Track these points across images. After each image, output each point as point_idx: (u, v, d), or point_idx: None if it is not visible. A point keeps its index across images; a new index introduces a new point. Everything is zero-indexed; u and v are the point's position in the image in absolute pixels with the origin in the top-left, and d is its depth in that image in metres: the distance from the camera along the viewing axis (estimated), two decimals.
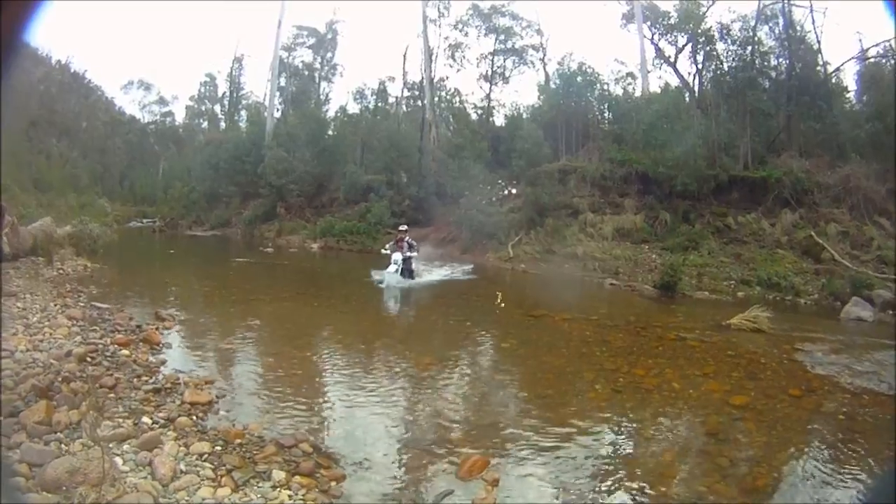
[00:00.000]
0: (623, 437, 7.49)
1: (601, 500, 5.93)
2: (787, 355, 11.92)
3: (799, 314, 17.73)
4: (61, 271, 17.50)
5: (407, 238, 20.22)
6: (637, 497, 6.03)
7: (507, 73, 42.79)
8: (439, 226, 30.44)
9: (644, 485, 6.25)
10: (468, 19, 42.18)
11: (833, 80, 30.31)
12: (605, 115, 35.49)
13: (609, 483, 6.25)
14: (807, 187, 25.06)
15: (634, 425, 7.83)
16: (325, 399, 8.42)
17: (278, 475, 5.91)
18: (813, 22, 30.04)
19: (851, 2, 28.96)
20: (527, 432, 7.31)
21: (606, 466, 6.57)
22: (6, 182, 23.93)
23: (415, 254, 20.29)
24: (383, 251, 20.70)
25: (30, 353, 8.64)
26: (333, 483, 5.98)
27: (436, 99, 41.22)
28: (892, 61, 28.97)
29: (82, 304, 13.15)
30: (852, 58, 30.40)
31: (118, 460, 5.75)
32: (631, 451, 7.08)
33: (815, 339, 13.28)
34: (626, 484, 6.25)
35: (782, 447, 7.26)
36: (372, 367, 10.09)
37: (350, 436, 7.04)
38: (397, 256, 19.63)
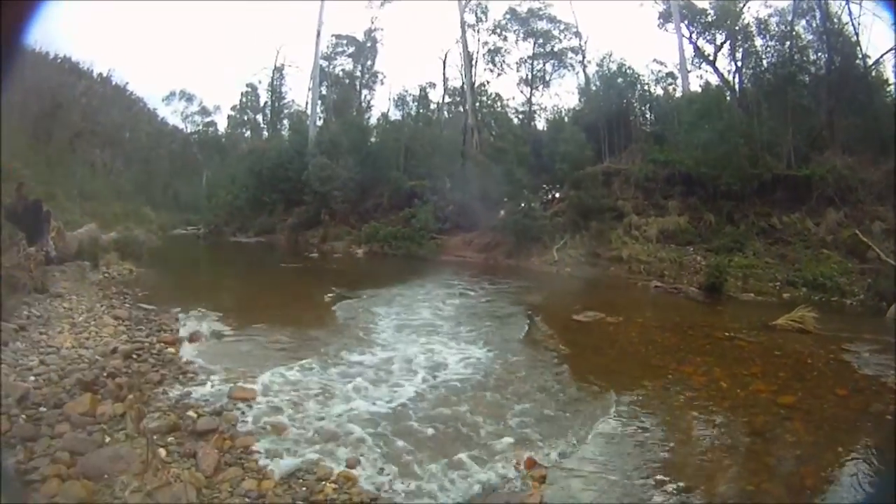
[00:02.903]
0: (671, 434, 7.53)
1: (649, 500, 5.89)
2: (834, 355, 11.92)
3: (845, 315, 17.55)
4: (107, 275, 17.95)
5: None
6: (685, 496, 6.07)
7: (547, 77, 42.73)
8: (483, 230, 30.45)
9: (692, 484, 6.33)
10: (506, 24, 42.26)
11: (873, 73, 29.62)
12: (647, 115, 35.45)
13: (656, 481, 6.30)
14: (851, 185, 24.63)
15: (682, 423, 7.81)
16: (365, 391, 8.48)
17: (323, 469, 5.98)
18: (850, 14, 29.39)
19: None
20: (574, 427, 7.35)
21: (653, 464, 6.68)
22: (52, 191, 24.45)
23: None
24: None
25: (75, 350, 8.94)
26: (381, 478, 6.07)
27: (477, 104, 41.20)
28: None
29: (128, 305, 13.49)
30: (891, 49, 29.59)
31: (161, 451, 5.91)
32: (678, 448, 7.14)
33: (861, 340, 13.18)
34: (674, 483, 6.33)
35: (829, 447, 7.29)
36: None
37: (395, 429, 7.09)
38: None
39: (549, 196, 31.28)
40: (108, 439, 6.10)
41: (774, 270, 22.20)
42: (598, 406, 8.37)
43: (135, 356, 9.10)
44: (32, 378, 7.61)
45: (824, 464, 6.78)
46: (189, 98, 56.90)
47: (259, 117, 58.09)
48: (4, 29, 2.02)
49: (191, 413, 7.08)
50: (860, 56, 29.21)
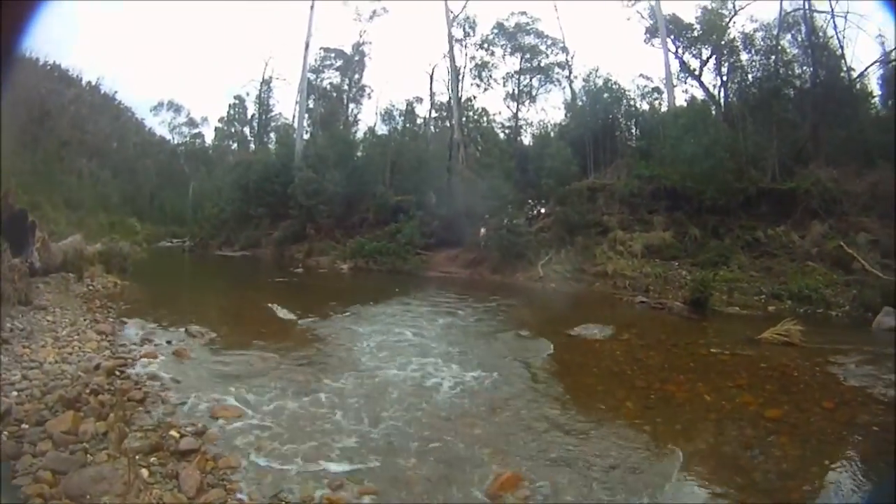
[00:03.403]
0: (653, 452, 7.38)
1: None
2: (820, 368, 11.90)
3: (831, 327, 17.56)
4: (91, 287, 17.85)
5: None
6: None
7: (533, 92, 42.90)
8: (469, 246, 30.39)
9: (677, 501, 6.19)
10: (493, 38, 42.42)
11: (857, 86, 30.11)
12: (633, 130, 35.64)
13: (643, 501, 6.18)
14: (835, 197, 24.77)
15: (666, 441, 7.73)
16: (350, 409, 8.38)
17: (306, 491, 5.93)
18: (835, 27, 29.95)
19: (872, 2, 28.72)
20: (556, 450, 7.32)
21: (637, 484, 6.52)
22: (37, 200, 24.30)
23: None
24: None
25: (58, 365, 8.84)
26: (365, 498, 6.00)
27: (463, 119, 41.26)
28: None
29: (112, 320, 13.40)
30: (875, 62, 30.04)
31: (144, 472, 5.87)
32: (661, 467, 6.97)
33: (847, 351, 13.16)
34: (659, 500, 6.18)
35: (816, 460, 7.23)
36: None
37: (385, 452, 7.03)
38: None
39: (535, 211, 31.28)
40: (90, 458, 6.03)
41: (760, 284, 22.24)
42: (582, 429, 8.29)
43: (117, 372, 9.00)
44: (15, 393, 7.51)
45: (811, 478, 6.76)
46: (177, 109, 57.18)
47: (246, 129, 58.24)
48: (4, 29, 2.01)
49: (173, 433, 6.97)
50: (845, 69, 29.67)
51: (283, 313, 16.23)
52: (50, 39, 41.08)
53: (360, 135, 47.39)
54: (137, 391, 8.31)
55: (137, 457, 6.10)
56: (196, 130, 59.07)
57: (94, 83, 56.25)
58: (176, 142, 58.66)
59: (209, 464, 6.30)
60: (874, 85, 30.85)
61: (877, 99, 30.92)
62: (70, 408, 7.06)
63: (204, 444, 6.77)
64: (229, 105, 57.97)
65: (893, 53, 28.64)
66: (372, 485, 6.34)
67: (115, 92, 58.39)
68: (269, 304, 17.28)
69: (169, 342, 11.61)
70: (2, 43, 2.03)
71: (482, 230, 29.78)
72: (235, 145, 58.91)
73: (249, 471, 6.34)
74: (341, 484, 6.21)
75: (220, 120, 59.01)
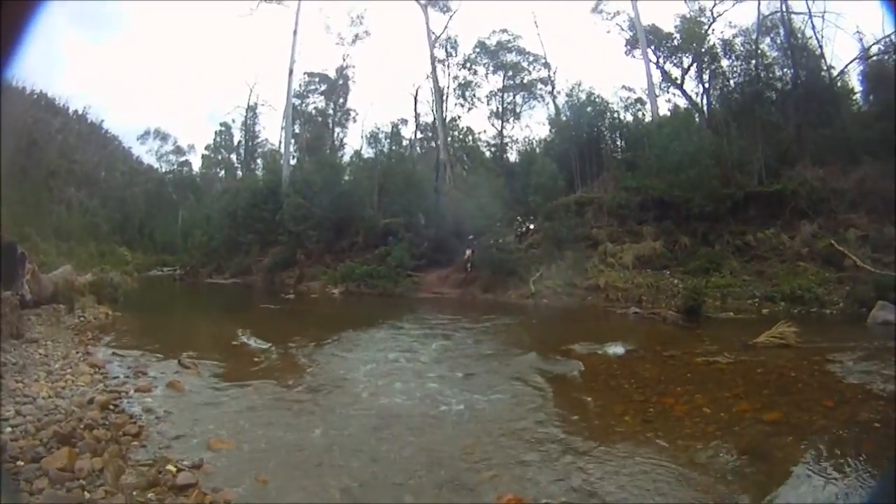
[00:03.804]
0: (655, 467, 7.27)
1: None
2: (817, 367, 11.84)
3: (826, 325, 17.57)
4: (82, 318, 17.69)
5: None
6: None
7: (517, 109, 43.18)
8: (459, 266, 30.30)
9: None
10: (476, 57, 42.72)
11: (839, 84, 30.53)
12: (618, 142, 35.77)
13: None
14: (823, 196, 25.01)
15: (667, 454, 7.63)
16: (349, 440, 8.28)
17: None
18: (813, 28, 30.50)
19: (848, 3, 29.14)
20: (555, 470, 7.20)
21: (641, 499, 6.42)
22: (27, 231, 24.22)
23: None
24: None
25: (52, 400, 8.70)
26: None
27: (449, 139, 41.40)
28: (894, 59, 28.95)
29: (104, 352, 13.21)
30: (855, 59, 30.46)
31: None
32: (665, 480, 6.88)
33: (843, 349, 13.15)
34: None
35: (819, 460, 7.09)
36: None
37: (378, 478, 6.93)
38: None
39: (524, 228, 31.32)
40: (87, 496, 5.90)
41: (752, 287, 22.33)
42: (580, 447, 8.20)
43: (112, 406, 8.86)
44: (9, 429, 7.37)
45: (815, 480, 6.72)
46: (164, 137, 57.73)
47: (233, 156, 58.67)
48: (4, 29, 1.99)
49: (170, 467, 6.80)
50: (825, 68, 30.03)
51: (272, 341, 16.01)
52: (36, 67, 41.14)
53: (346, 158, 47.62)
54: (132, 425, 8.17)
55: (135, 492, 5.99)
56: (183, 158, 59.65)
57: (80, 112, 56.80)
58: (164, 170, 59.17)
59: (207, 498, 6.19)
60: (855, 82, 31.23)
61: (858, 95, 31.27)
62: (65, 443, 6.94)
63: (201, 478, 6.66)
64: (215, 132, 58.55)
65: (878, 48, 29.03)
66: None
67: (102, 121, 58.98)
68: (262, 332, 17.10)
69: (162, 374, 11.45)
70: (2, 43, 2.02)
71: (467, 252, 29.71)
72: (223, 172, 59.27)
73: (249, 502, 6.25)
74: None
75: (207, 147, 59.60)
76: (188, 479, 6.53)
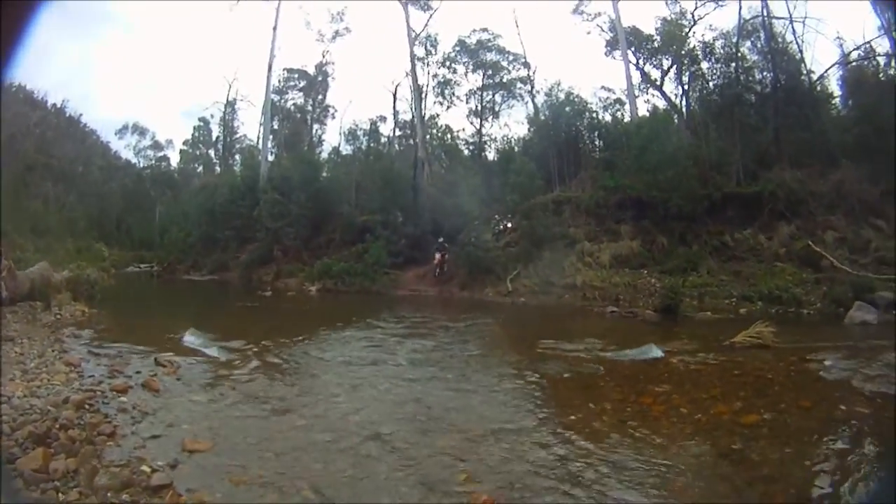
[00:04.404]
0: (631, 468, 7.24)
1: None
2: (794, 367, 11.88)
3: (803, 325, 17.73)
4: (59, 316, 17.45)
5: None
6: None
7: (496, 108, 43.16)
8: (429, 269, 30.28)
9: None
10: (455, 56, 42.68)
11: (818, 88, 30.81)
12: (596, 142, 35.84)
13: None
14: (801, 198, 25.21)
15: (643, 455, 7.61)
16: (324, 441, 8.21)
17: None
18: (794, 32, 30.68)
19: (829, 8, 29.61)
20: (528, 468, 7.15)
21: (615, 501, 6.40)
22: (3, 226, 23.91)
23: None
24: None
25: (27, 399, 8.55)
26: None
27: (427, 136, 41.35)
28: (874, 63, 29.37)
29: (80, 350, 13.05)
30: (835, 63, 30.93)
31: None
32: (641, 481, 6.86)
33: (821, 348, 13.20)
34: None
35: (797, 461, 7.13)
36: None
37: (352, 480, 6.89)
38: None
39: (502, 226, 31.35)
40: (62, 497, 5.83)
41: (729, 287, 22.42)
42: (555, 446, 8.17)
43: (87, 406, 8.70)
44: None
45: (793, 480, 6.69)
46: (142, 132, 57.43)
47: (211, 152, 58.47)
48: (5, 29, 1.96)
49: (144, 467, 6.68)
50: (805, 73, 30.26)
51: (247, 340, 15.82)
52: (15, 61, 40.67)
53: (324, 155, 47.54)
54: (107, 425, 8.04)
55: (109, 493, 5.90)
56: (161, 153, 59.27)
57: (59, 105, 56.00)
58: (141, 165, 58.63)
59: (181, 499, 6.11)
60: (834, 86, 31.59)
61: (837, 100, 31.65)
62: (40, 444, 6.81)
63: (176, 479, 6.58)
64: (194, 127, 58.37)
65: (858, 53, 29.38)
66: None
67: (81, 115, 58.14)
68: (240, 330, 16.92)
69: (138, 373, 11.28)
70: (2, 43, 1.98)
71: (436, 256, 29.71)
72: (201, 168, 59.04)
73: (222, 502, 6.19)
74: None
75: (185, 143, 59.35)
76: (163, 480, 6.43)
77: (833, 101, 31.66)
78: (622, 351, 14.03)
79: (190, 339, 15.27)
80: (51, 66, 66.40)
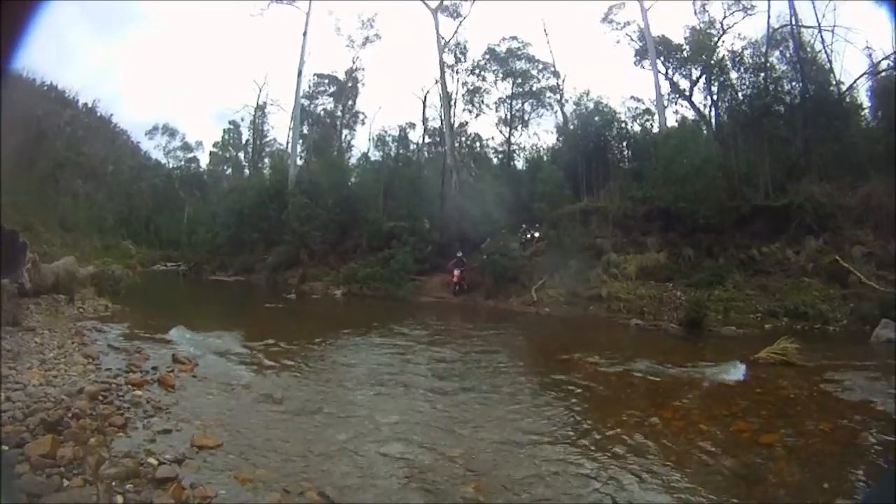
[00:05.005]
0: (647, 485, 7.12)
1: None
2: (818, 387, 11.70)
3: (828, 342, 17.44)
4: (82, 310, 17.75)
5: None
6: None
7: (525, 117, 42.95)
8: (463, 271, 30.16)
9: None
10: (485, 64, 42.48)
11: (847, 99, 30.30)
12: (625, 152, 35.56)
13: None
14: (829, 211, 24.83)
15: (659, 472, 7.50)
16: (334, 443, 8.17)
17: None
18: (822, 42, 30.38)
19: (859, 16, 29.09)
20: (545, 483, 7.08)
21: None
22: (30, 221, 24.28)
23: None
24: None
25: (42, 388, 8.68)
26: None
27: (456, 144, 41.29)
28: None
29: (100, 343, 13.17)
30: (864, 74, 30.28)
31: (119, 499, 5.68)
32: (655, 499, 6.75)
33: (845, 367, 13.04)
34: None
35: (816, 484, 7.04)
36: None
37: (359, 483, 6.87)
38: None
39: (529, 235, 31.22)
40: (66, 483, 5.87)
41: (755, 302, 22.13)
42: (570, 460, 8.05)
43: (101, 397, 8.80)
44: None
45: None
46: (172, 133, 57.47)
47: (241, 155, 58.70)
48: (5, 29, 1.95)
49: (151, 460, 6.76)
50: (834, 83, 29.90)
51: (276, 339, 15.85)
52: (46, 59, 41.36)
53: (353, 160, 47.74)
54: (119, 417, 8.13)
55: (113, 483, 5.95)
56: (191, 155, 59.42)
57: (90, 105, 56.81)
58: (171, 166, 58.97)
59: (185, 493, 6.12)
60: (864, 97, 31.09)
61: (867, 111, 31.13)
62: (51, 431, 6.90)
63: (181, 473, 6.58)
64: (224, 130, 58.68)
65: (893, 58, 28.84)
66: None
67: (111, 115, 58.89)
68: (263, 331, 16.92)
69: (154, 368, 11.41)
70: (2, 43, 1.97)
71: (455, 272, 29.57)
72: (230, 170, 59.40)
73: (226, 500, 6.14)
74: None
75: (215, 145, 59.69)
76: (168, 473, 6.48)
77: (862, 113, 31.10)
78: (698, 366, 13.69)
79: (175, 335, 15.46)
80: (82, 66, 67.61)
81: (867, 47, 29.69)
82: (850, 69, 31.36)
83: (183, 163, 59.12)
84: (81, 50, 69.31)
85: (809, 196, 25.27)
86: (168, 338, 15.06)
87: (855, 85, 30.40)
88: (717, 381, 12.36)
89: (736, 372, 12.84)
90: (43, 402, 7.99)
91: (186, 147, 58.75)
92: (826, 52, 30.22)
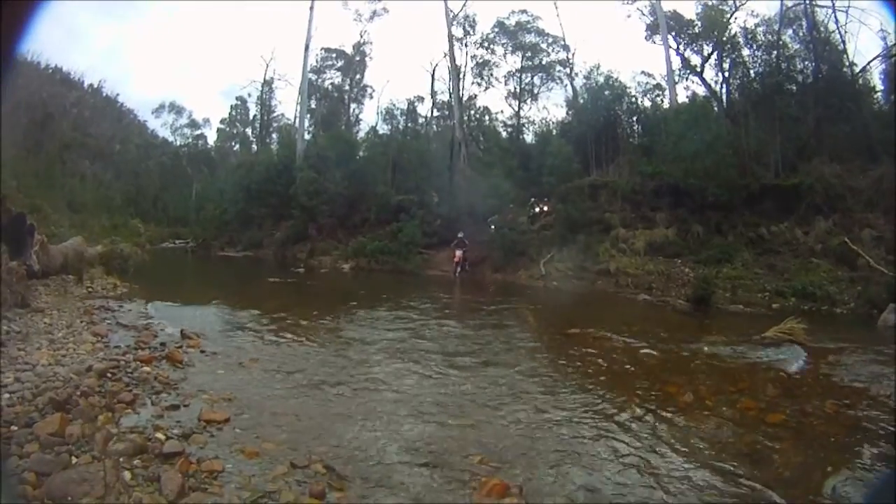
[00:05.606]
0: (652, 460, 7.15)
1: None
2: (824, 369, 11.63)
3: (835, 324, 17.35)
4: (90, 290, 17.77)
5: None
6: None
7: (535, 90, 42.69)
8: (471, 245, 30.16)
9: None
10: (494, 37, 42.25)
11: (860, 81, 30.01)
12: (635, 127, 35.42)
13: None
14: (839, 193, 24.65)
15: (665, 448, 7.52)
16: (342, 417, 8.21)
17: (286, 497, 5.80)
18: (836, 22, 29.86)
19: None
20: (548, 456, 7.11)
21: (633, 495, 6.32)
22: (38, 203, 24.30)
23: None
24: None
25: (51, 368, 8.77)
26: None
27: (465, 118, 41.13)
28: None
29: (109, 322, 13.24)
30: (877, 56, 29.78)
31: (126, 474, 5.76)
32: (661, 474, 6.77)
33: (851, 350, 12.99)
34: None
35: (819, 467, 7.02)
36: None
37: (367, 457, 6.87)
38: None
39: (537, 209, 31.17)
40: (74, 460, 5.93)
41: (763, 281, 22.16)
42: (576, 433, 8.07)
43: (109, 374, 8.87)
44: (7, 395, 7.42)
45: (813, 486, 6.58)
46: (178, 110, 57.45)
47: (248, 130, 58.52)
48: (5, 29, 1.94)
49: (159, 435, 6.82)
50: (847, 64, 29.57)
51: (284, 314, 15.95)
52: (51, 42, 41.28)
53: (361, 135, 47.43)
54: (127, 393, 8.20)
55: (121, 459, 6.01)
56: (198, 132, 59.43)
57: (96, 86, 57.01)
58: (178, 143, 59.05)
59: (192, 467, 6.17)
60: (877, 80, 30.74)
61: (880, 94, 30.80)
62: (59, 410, 6.96)
63: (188, 447, 6.64)
64: (231, 106, 58.51)
65: (894, 50, 28.46)
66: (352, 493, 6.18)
67: (118, 94, 59.11)
68: (271, 306, 17.04)
69: (163, 345, 11.48)
70: (2, 43, 1.97)
71: (457, 253, 29.38)
72: (237, 146, 59.33)
73: (233, 474, 6.20)
74: (323, 489, 6.05)
75: (222, 121, 59.57)
76: (175, 448, 6.53)
77: (875, 95, 30.77)
78: (756, 349, 13.47)
79: (151, 309, 15.69)
80: (88, 47, 67.40)
81: (881, 30, 29.28)
82: (863, 50, 31.06)
83: (190, 140, 59.25)
84: (87, 31, 69.15)
85: (820, 177, 25.11)
86: (171, 314, 15.17)
87: (868, 67, 30.01)
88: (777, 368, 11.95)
89: (797, 360, 12.37)
90: (52, 382, 8.07)
91: (194, 124, 58.86)
92: (840, 32, 29.76)
